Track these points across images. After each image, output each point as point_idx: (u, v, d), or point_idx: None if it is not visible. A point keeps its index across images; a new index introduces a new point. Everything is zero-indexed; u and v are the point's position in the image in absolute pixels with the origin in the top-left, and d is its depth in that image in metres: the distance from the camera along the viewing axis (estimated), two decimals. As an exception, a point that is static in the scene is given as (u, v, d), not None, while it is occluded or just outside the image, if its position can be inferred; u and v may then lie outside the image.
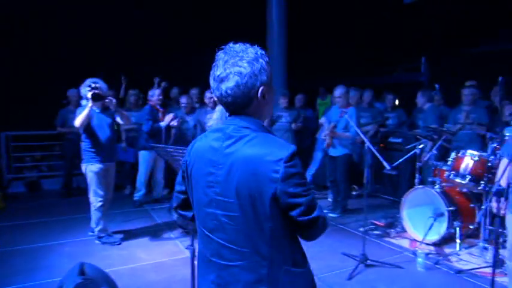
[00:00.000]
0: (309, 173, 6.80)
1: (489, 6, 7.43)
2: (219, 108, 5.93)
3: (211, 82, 1.40)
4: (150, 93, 5.81)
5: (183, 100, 6.18)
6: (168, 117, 5.72)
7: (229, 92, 1.36)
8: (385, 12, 9.25)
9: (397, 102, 9.02)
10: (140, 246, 4.40)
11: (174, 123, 5.75)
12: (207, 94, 5.95)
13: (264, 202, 1.31)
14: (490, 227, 4.00)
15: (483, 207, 4.07)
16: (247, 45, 1.40)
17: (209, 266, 1.44)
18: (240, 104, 1.38)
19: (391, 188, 6.18)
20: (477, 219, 4.23)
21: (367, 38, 9.90)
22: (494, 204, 3.08)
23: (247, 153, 1.32)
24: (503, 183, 2.96)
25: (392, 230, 4.77)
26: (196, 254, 1.57)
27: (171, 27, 8.54)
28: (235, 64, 1.35)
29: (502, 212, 3.05)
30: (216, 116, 5.91)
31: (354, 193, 6.53)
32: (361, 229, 4.73)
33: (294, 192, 1.30)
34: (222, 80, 1.36)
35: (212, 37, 8.97)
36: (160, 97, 5.78)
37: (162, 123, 5.71)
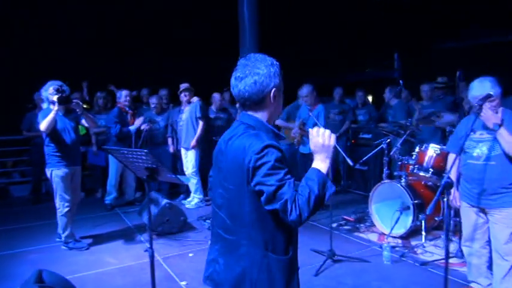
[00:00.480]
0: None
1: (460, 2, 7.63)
2: (187, 108, 5.91)
3: (232, 81, 1.64)
4: (118, 95, 5.74)
5: (153, 100, 6.13)
6: (138, 121, 5.68)
7: (247, 88, 1.59)
8: (358, 9, 9.36)
9: (370, 98, 9.18)
10: (108, 250, 4.33)
11: (144, 126, 5.70)
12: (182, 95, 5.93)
13: (243, 188, 1.54)
14: (456, 219, 4.10)
15: (445, 199, 4.15)
16: (265, 55, 1.66)
17: (216, 236, 1.71)
18: (254, 100, 1.61)
19: (363, 183, 6.27)
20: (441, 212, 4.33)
21: (341, 36, 10.01)
22: (451, 197, 3.18)
23: (236, 145, 1.57)
24: (452, 176, 3.05)
25: (362, 225, 4.85)
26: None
27: (139, 28, 8.42)
28: (255, 66, 1.59)
29: (457, 203, 3.14)
30: (185, 116, 5.89)
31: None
32: (333, 225, 4.82)
33: (259, 181, 1.47)
34: (241, 79, 1.60)
35: (182, 39, 8.93)
36: (128, 98, 5.72)
37: (132, 127, 5.65)
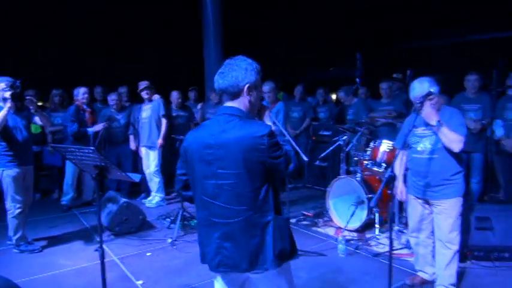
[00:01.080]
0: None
1: (422, 4, 7.93)
2: (149, 106, 5.84)
3: (216, 77, 1.93)
4: (75, 92, 5.58)
5: (112, 97, 6.00)
6: (98, 126, 5.55)
7: (226, 81, 1.88)
8: (322, 9, 9.55)
9: (334, 96, 9.37)
10: (63, 252, 4.22)
11: (100, 126, 5.56)
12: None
13: (255, 167, 1.80)
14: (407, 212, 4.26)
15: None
16: (247, 58, 1.94)
17: (213, 226, 1.89)
18: (230, 92, 1.89)
19: (322, 179, 6.41)
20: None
21: (305, 35, 10.17)
22: (397, 191, 3.32)
23: (239, 134, 1.80)
24: (397, 170, 3.20)
25: (320, 220, 4.96)
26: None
27: (95, 25, 8.22)
28: (235, 64, 1.90)
29: (402, 196, 3.29)
30: (147, 114, 5.80)
31: (289, 186, 6.70)
32: (292, 220, 4.91)
33: (276, 155, 1.80)
34: (223, 74, 1.90)
35: (140, 37, 8.77)
36: (86, 96, 5.56)
37: (90, 129, 5.50)
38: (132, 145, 6.09)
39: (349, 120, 5.91)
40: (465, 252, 3.59)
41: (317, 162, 6.41)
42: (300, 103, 6.87)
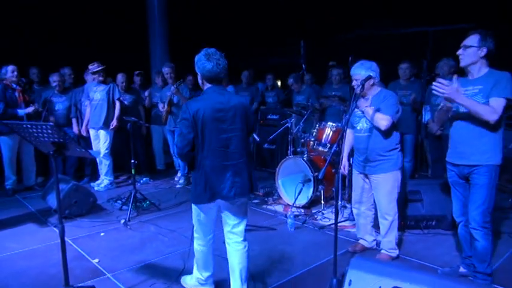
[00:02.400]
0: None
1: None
2: (101, 88, 5.66)
3: (215, 67, 2.52)
4: (3, 71, 5.24)
5: (54, 78, 5.75)
6: (29, 109, 5.29)
7: (224, 69, 2.55)
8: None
9: (279, 83, 9.66)
10: (10, 235, 4.08)
11: (31, 109, 5.30)
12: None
13: (246, 124, 2.64)
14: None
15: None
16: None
17: (225, 168, 2.55)
18: (223, 77, 2.60)
19: (271, 161, 6.67)
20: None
21: (252, 23, 10.29)
22: (340, 166, 3.63)
23: (239, 101, 2.63)
24: (345, 147, 3.53)
25: (269, 198, 5.22)
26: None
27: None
28: (222, 56, 2.57)
29: (344, 171, 3.62)
30: (99, 96, 5.63)
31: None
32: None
33: (254, 118, 2.75)
34: (221, 65, 2.53)
35: (84, 20, 8.37)
36: (15, 73, 5.25)
37: (20, 111, 5.23)
38: (75, 128, 5.94)
39: (297, 105, 6.19)
40: (400, 222, 4.02)
41: (265, 145, 6.68)
42: (248, 88, 7.05)
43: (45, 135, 2.49)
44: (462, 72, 2.94)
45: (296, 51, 10.72)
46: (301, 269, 3.30)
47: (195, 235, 2.83)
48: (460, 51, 2.81)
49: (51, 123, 2.40)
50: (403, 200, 4.04)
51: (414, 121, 5.34)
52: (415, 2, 8.08)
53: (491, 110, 2.64)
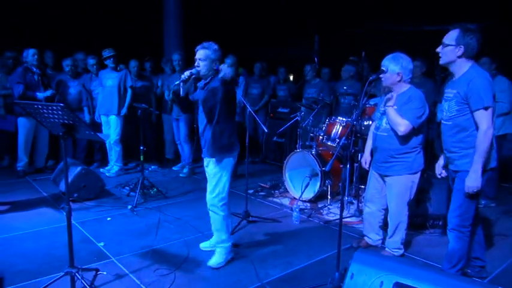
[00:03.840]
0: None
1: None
2: (114, 75, 5.70)
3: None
4: (24, 54, 5.32)
5: (67, 62, 5.82)
6: (48, 92, 5.36)
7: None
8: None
9: (291, 77, 9.60)
10: (18, 216, 4.16)
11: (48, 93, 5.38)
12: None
13: None
14: (357, 185, 4.61)
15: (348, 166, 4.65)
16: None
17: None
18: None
19: (279, 155, 6.66)
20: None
21: (266, 15, 10.23)
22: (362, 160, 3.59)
23: None
24: (368, 142, 3.49)
25: (276, 191, 5.21)
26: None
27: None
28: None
29: (366, 165, 3.57)
30: (111, 83, 5.67)
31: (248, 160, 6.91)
32: (249, 191, 5.12)
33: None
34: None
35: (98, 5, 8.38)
36: (36, 57, 5.32)
37: (40, 94, 5.31)
38: (88, 117, 6.00)
39: (308, 98, 6.15)
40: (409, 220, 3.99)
41: (274, 138, 6.67)
42: (259, 80, 7.02)
43: (56, 116, 2.51)
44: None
45: (311, 45, 10.67)
46: (304, 262, 3.30)
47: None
48: (439, 49, 2.70)
49: (62, 104, 2.42)
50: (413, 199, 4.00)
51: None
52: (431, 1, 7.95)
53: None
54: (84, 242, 3.57)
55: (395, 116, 3.11)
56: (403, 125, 3.07)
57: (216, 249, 3.29)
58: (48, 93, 5.37)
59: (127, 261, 3.22)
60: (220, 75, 2.97)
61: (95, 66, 5.87)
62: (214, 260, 3.20)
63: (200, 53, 3.08)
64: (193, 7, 8.80)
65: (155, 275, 3.00)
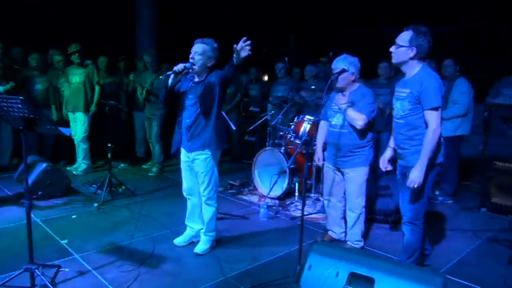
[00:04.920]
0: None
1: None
2: (81, 71, 5.62)
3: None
4: None
5: (33, 56, 5.69)
6: (8, 86, 5.22)
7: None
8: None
9: (266, 77, 9.69)
10: (-22, 215, 4.05)
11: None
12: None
13: None
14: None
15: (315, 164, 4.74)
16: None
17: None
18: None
19: (250, 153, 6.71)
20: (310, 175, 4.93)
21: (240, 16, 10.28)
22: (315, 157, 3.70)
23: None
24: (318, 139, 3.60)
25: (245, 189, 5.27)
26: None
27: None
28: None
29: (320, 162, 3.67)
30: (78, 80, 5.58)
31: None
32: (219, 189, 5.15)
33: None
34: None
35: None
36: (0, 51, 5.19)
37: (0, 87, 5.17)
38: (55, 115, 5.88)
39: (278, 97, 6.23)
40: (370, 216, 4.12)
41: (246, 137, 6.73)
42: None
43: (15, 109, 2.47)
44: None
45: (286, 47, 10.79)
46: (269, 257, 3.36)
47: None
48: (392, 49, 2.81)
49: (22, 97, 2.39)
50: (374, 195, 4.15)
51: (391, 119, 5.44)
52: (415, 4, 8.16)
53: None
54: (47, 239, 3.52)
55: (353, 113, 3.25)
56: (361, 120, 3.22)
57: (203, 237, 3.43)
58: (8, 86, 5.22)
59: (91, 258, 3.20)
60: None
61: (61, 63, 5.76)
62: (201, 247, 3.38)
63: (198, 47, 3.12)
64: (168, 3, 8.73)
65: (119, 271, 2.99)
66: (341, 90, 3.39)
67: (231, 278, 2.97)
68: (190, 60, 3.07)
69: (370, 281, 2.13)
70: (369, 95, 3.33)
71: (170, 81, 3.08)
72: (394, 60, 2.83)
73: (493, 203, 4.58)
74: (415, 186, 2.72)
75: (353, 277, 2.24)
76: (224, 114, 4.29)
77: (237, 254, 3.40)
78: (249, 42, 2.80)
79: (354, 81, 3.34)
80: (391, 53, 2.82)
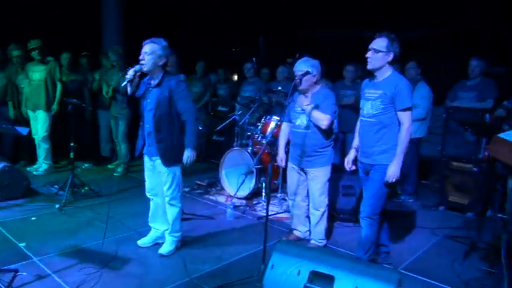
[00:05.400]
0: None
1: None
2: (42, 68, 5.42)
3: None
4: None
5: None
6: None
7: None
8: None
9: (236, 77, 9.70)
10: None
11: None
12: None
13: None
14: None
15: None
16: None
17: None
18: None
19: (219, 153, 6.69)
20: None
21: (211, 16, 10.23)
22: (277, 158, 3.75)
23: None
24: (280, 140, 3.66)
25: (212, 189, 5.27)
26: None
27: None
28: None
29: (282, 163, 3.73)
30: (38, 77, 5.39)
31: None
32: (186, 189, 5.13)
33: None
34: None
35: None
36: None
37: None
38: (11, 113, 5.66)
39: (245, 97, 6.26)
40: (334, 215, 4.23)
41: (214, 137, 6.71)
42: (201, 79, 7.02)
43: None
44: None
45: (255, 47, 10.83)
46: (234, 257, 3.38)
47: None
48: (369, 54, 2.94)
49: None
50: (338, 194, 4.25)
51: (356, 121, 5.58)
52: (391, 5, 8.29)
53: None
54: (4, 242, 3.39)
55: (318, 113, 3.35)
56: (325, 120, 3.32)
57: (168, 238, 3.40)
58: None
59: (51, 261, 3.11)
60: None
61: (18, 59, 5.53)
62: (166, 248, 3.36)
63: (147, 47, 3.07)
64: (134, 3, 8.56)
65: (80, 274, 2.93)
66: (303, 92, 3.47)
67: (195, 279, 2.97)
68: (141, 62, 3.06)
69: (330, 278, 2.19)
70: (330, 96, 3.45)
71: (129, 89, 3.10)
72: (371, 66, 2.95)
73: (450, 201, 4.80)
74: (393, 180, 2.89)
75: (314, 275, 2.29)
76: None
77: (202, 254, 3.40)
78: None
79: (315, 83, 3.44)
80: (366, 58, 2.94)
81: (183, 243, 3.52)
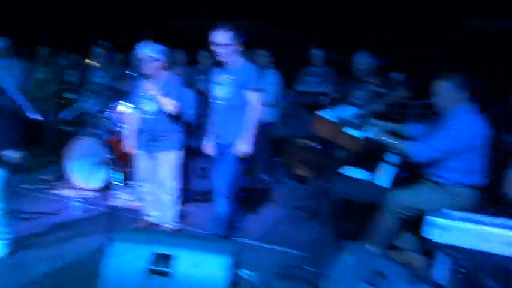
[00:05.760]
0: None
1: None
2: None
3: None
4: None
5: None
6: None
7: None
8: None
9: (88, 62, 8.90)
10: None
11: None
12: None
13: None
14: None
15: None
16: None
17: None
18: None
19: (66, 143, 6.10)
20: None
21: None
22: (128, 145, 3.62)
23: None
24: (131, 128, 3.61)
25: (60, 183, 4.80)
26: None
27: None
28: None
29: (131, 150, 3.62)
30: None
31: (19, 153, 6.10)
32: (29, 187, 4.59)
33: None
34: None
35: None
36: None
37: None
38: None
39: (95, 83, 5.80)
40: (190, 196, 4.26)
41: (62, 127, 6.08)
42: (47, 64, 6.28)
43: None
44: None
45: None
46: (76, 253, 3.16)
47: None
48: (219, 48, 3.11)
49: None
50: (194, 176, 4.31)
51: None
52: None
53: None
54: None
55: (164, 99, 3.32)
56: (172, 105, 3.33)
57: None
58: None
59: None
60: None
61: None
62: None
63: None
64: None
65: None
66: (150, 78, 3.38)
67: (30, 284, 2.68)
68: None
69: (168, 257, 2.20)
70: (178, 82, 3.49)
71: None
72: (223, 58, 3.12)
73: (296, 175, 5.28)
74: (245, 156, 3.11)
75: (155, 257, 2.27)
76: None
77: (40, 255, 3.10)
78: None
79: (163, 68, 3.41)
80: (215, 51, 3.12)
81: (18, 245, 3.13)
